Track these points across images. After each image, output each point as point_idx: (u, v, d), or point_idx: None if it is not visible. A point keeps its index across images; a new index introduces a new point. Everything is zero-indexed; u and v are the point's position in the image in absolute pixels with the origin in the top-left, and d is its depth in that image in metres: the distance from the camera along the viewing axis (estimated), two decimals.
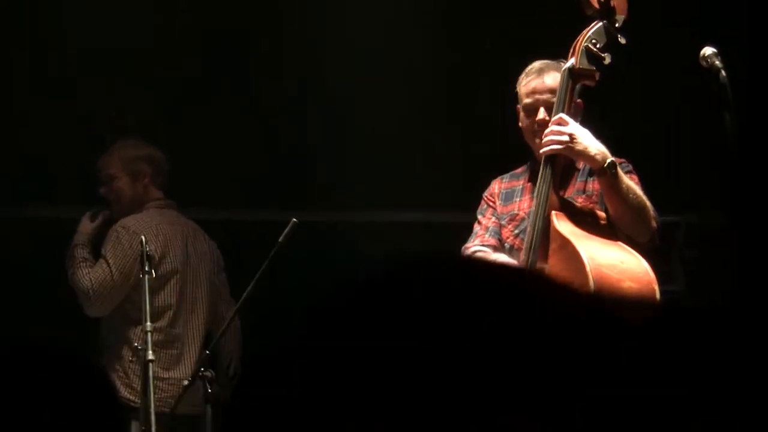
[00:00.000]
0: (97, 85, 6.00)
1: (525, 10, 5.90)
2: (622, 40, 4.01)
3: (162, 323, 5.06)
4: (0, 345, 1.76)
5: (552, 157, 4.00)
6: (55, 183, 6.12)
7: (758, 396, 0.85)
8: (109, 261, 5.08)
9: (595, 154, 3.93)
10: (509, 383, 0.84)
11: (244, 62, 6.22)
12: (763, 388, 0.86)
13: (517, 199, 4.24)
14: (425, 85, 5.95)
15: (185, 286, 5.19)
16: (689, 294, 4.84)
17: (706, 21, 5.28)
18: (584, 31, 4.05)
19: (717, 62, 3.96)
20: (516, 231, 4.18)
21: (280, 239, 4.46)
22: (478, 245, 4.17)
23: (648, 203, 3.98)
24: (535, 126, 4.13)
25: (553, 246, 3.93)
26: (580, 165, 4.14)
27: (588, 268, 3.75)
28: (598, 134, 4.06)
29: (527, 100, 4.17)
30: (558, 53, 4.26)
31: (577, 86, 4.06)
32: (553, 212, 3.97)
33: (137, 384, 4.70)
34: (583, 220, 4.00)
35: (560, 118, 3.98)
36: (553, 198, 3.99)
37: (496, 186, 4.33)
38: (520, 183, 4.28)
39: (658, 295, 3.80)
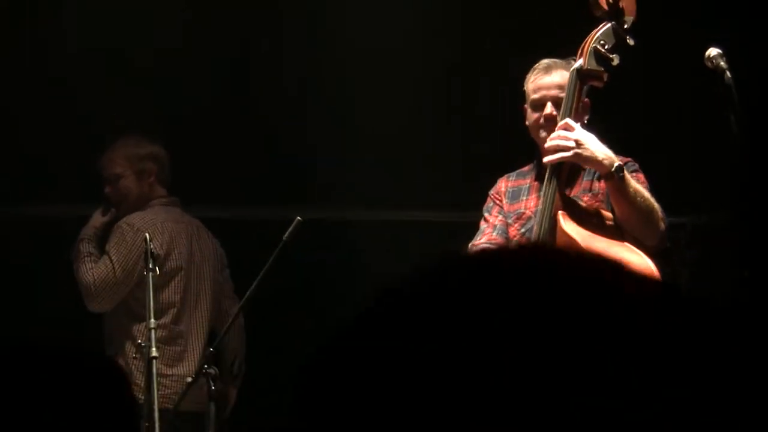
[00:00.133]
0: (97, 85, 5.99)
1: (525, 10, 5.91)
2: (631, 42, 4.02)
3: (166, 320, 5.06)
4: (6, 344, 1.77)
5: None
6: (55, 183, 6.12)
7: (758, 396, 0.86)
8: (113, 257, 5.08)
9: (603, 159, 3.94)
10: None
11: (244, 62, 6.22)
12: (764, 388, 0.86)
13: (524, 198, 4.25)
14: (425, 84, 5.95)
15: (189, 284, 5.19)
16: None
17: (710, 21, 5.30)
18: (593, 32, 4.05)
19: (722, 63, 3.97)
20: (522, 230, 4.19)
21: (285, 237, 4.47)
22: (486, 243, 4.18)
23: (656, 206, 3.98)
24: (542, 120, 4.14)
25: (559, 245, 3.94)
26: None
27: None
28: (603, 135, 4.07)
29: (534, 96, 4.18)
30: (558, 53, 4.27)
31: (585, 87, 4.07)
32: (560, 212, 3.98)
33: (141, 381, 4.70)
34: (590, 220, 4.01)
35: (566, 123, 3.99)
36: (560, 197, 4.01)
37: (503, 184, 4.33)
38: (527, 181, 4.28)
39: None
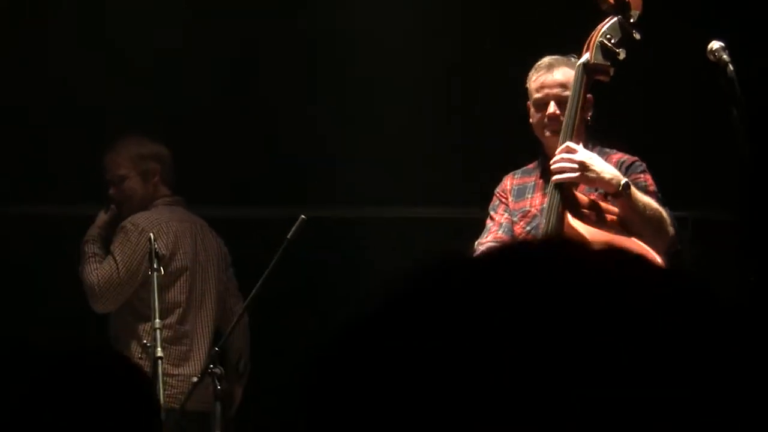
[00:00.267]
0: (97, 85, 5.98)
1: (525, 10, 5.92)
2: (637, 36, 4.03)
3: (171, 320, 5.05)
4: (8, 345, 1.78)
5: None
6: (55, 183, 6.11)
7: (759, 396, 0.86)
8: (117, 258, 5.07)
9: (610, 179, 3.96)
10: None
11: (245, 62, 6.23)
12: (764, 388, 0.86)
13: (529, 196, 4.26)
14: (425, 84, 5.96)
15: (194, 283, 5.18)
16: None
17: (713, 14, 5.31)
18: (599, 27, 4.07)
19: (725, 56, 3.96)
20: (528, 228, 4.20)
21: (289, 236, 4.47)
22: (492, 242, 4.19)
23: (664, 212, 4.01)
24: (546, 120, 4.15)
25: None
26: None
27: None
28: (606, 131, 4.09)
29: (537, 95, 4.19)
30: (559, 53, 4.29)
31: (591, 81, 4.09)
32: (567, 210, 4.00)
33: None
34: (596, 216, 4.02)
35: (567, 146, 3.99)
36: (566, 194, 4.02)
37: (508, 182, 4.34)
38: (532, 179, 4.29)
39: None
